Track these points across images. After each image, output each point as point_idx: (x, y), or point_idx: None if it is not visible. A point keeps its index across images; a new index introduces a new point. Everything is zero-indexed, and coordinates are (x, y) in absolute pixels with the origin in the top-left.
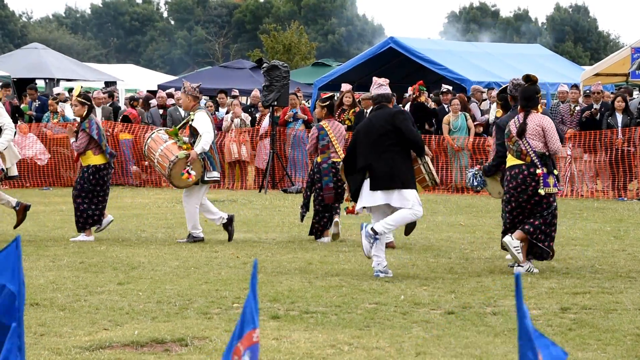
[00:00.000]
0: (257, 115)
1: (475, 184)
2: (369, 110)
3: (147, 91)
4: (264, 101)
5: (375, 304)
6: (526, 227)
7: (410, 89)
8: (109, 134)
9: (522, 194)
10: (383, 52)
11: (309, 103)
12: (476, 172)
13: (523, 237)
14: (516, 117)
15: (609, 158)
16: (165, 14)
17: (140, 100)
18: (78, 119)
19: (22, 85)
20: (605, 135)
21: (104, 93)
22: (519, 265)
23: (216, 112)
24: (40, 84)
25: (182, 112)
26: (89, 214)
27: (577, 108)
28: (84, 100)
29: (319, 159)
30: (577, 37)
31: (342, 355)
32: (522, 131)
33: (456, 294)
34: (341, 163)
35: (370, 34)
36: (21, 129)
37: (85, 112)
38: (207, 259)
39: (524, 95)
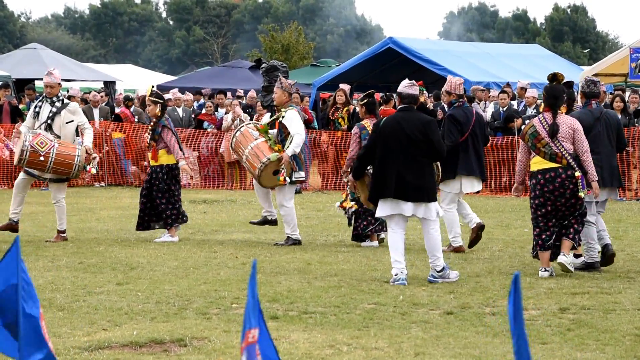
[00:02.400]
0: (255, 115)
1: None
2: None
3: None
4: (262, 102)
5: (374, 304)
6: (571, 236)
7: None
8: (107, 134)
9: (560, 197)
10: (382, 52)
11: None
12: None
13: (570, 246)
14: (541, 117)
15: None
16: (164, 14)
17: (136, 100)
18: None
19: (21, 86)
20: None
21: (99, 93)
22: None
23: (215, 113)
24: (38, 84)
25: (180, 113)
26: (167, 214)
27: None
28: (156, 99)
29: None
30: (576, 38)
31: (341, 355)
32: (554, 132)
33: (455, 295)
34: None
35: (369, 34)
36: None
37: (159, 110)
38: (206, 260)
39: (553, 94)
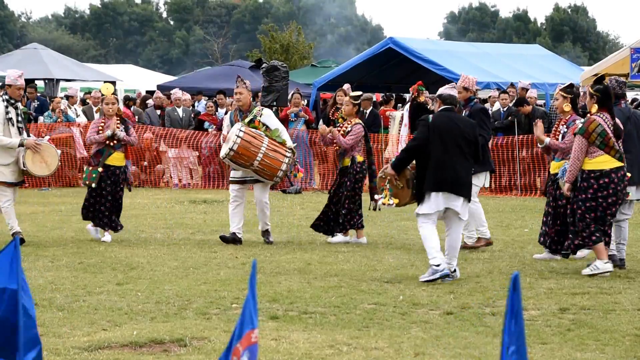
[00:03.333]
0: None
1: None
2: (368, 111)
3: (146, 91)
4: (263, 102)
5: (374, 305)
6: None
7: (410, 89)
8: None
9: (624, 196)
10: (382, 52)
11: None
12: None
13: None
14: (603, 117)
15: None
16: (164, 14)
17: (137, 100)
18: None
19: None
20: None
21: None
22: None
23: (215, 113)
24: (39, 84)
25: (180, 113)
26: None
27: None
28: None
29: (360, 158)
30: (576, 38)
31: (341, 355)
32: (619, 133)
33: (455, 295)
34: (397, 155)
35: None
36: None
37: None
38: (206, 260)
39: (609, 93)
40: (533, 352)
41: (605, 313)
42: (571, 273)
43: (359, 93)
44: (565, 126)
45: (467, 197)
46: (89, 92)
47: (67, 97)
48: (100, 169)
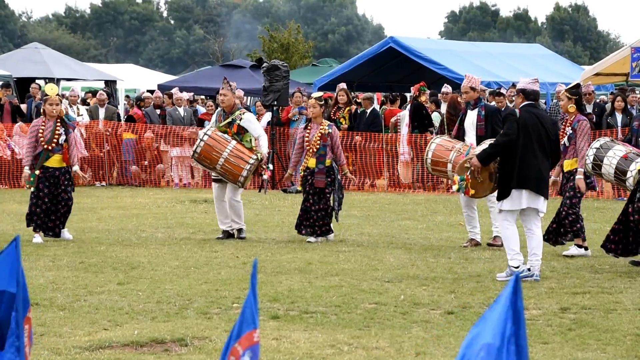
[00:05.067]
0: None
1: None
2: (369, 110)
3: (147, 91)
4: (263, 101)
5: (375, 304)
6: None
7: (414, 88)
8: (108, 133)
9: None
10: (383, 51)
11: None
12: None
13: None
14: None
15: None
16: (164, 14)
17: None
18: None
19: (22, 85)
20: (605, 135)
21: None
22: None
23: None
24: (40, 83)
25: (182, 112)
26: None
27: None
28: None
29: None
30: (577, 37)
31: (341, 355)
32: None
33: (456, 294)
34: (486, 148)
35: (370, 34)
36: (22, 129)
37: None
38: (207, 259)
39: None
40: (534, 352)
41: (606, 312)
42: (572, 272)
43: (320, 93)
44: (570, 128)
45: (547, 196)
46: (89, 92)
47: (64, 96)
48: (37, 172)
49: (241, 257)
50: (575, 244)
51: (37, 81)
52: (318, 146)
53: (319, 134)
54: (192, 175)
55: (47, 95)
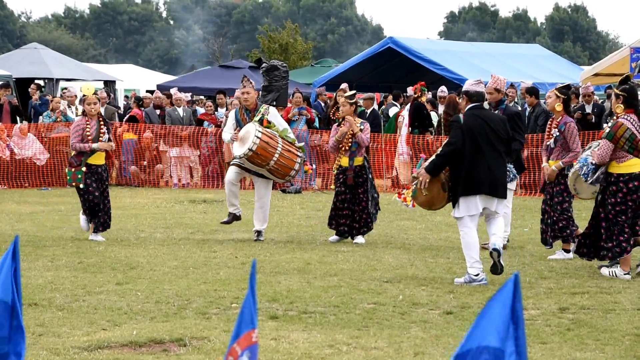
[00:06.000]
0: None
1: (586, 173)
2: (369, 110)
3: (147, 91)
4: (262, 101)
5: (373, 304)
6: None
7: (411, 89)
8: None
9: None
10: (382, 52)
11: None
12: (588, 164)
13: None
14: (629, 118)
15: None
16: (164, 14)
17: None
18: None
19: (22, 85)
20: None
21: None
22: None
23: (215, 112)
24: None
25: (181, 112)
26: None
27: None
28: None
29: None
30: (576, 37)
31: (340, 355)
32: None
33: (455, 294)
34: (432, 159)
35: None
36: (21, 130)
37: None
38: (206, 259)
39: (635, 94)
40: (533, 352)
41: (604, 313)
42: (571, 272)
43: (353, 92)
44: (557, 130)
45: (504, 197)
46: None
47: (62, 97)
48: (84, 169)
49: (240, 257)
50: (562, 249)
51: (36, 81)
52: (350, 144)
53: (351, 132)
54: (191, 176)
55: (84, 95)
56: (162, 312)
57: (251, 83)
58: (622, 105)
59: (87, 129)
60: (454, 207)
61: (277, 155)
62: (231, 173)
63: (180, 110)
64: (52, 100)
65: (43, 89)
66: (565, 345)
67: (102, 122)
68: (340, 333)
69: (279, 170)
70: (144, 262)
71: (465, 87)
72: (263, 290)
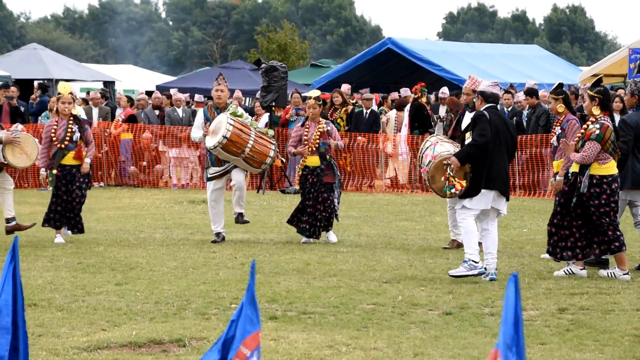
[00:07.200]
0: (254, 117)
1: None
2: (368, 111)
3: (145, 92)
4: (262, 102)
5: (373, 305)
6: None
7: (412, 89)
8: (107, 134)
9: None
10: (381, 52)
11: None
12: None
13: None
14: (607, 120)
15: None
16: (163, 15)
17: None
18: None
19: (21, 86)
20: None
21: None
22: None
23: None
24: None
25: (180, 113)
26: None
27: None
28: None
29: None
30: (574, 38)
31: (340, 355)
32: (618, 136)
33: (454, 295)
34: (464, 148)
35: (369, 35)
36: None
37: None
38: (205, 260)
39: (609, 95)
40: (532, 353)
41: (604, 313)
42: (570, 273)
43: (318, 93)
44: (559, 128)
45: (509, 198)
46: (88, 92)
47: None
48: (55, 171)
49: (239, 257)
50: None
51: (35, 82)
52: (318, 144)
53: (319, 132)
54: (191, 176)
55: (59, 93)
56: (162, 312)
57: (225, 82)
58: (598, 107)
59: (54, 130)
60: (467, 197)
61: (251, 142)
62: (212, 194)
63: (179, 111)
64: (50, 100)
65: (48, 89)
66: (565, 345)
67: (71, 123)
68: (340, 333)
69: (254, 157)
70: (143, 263)
71: (481, 88)
72: (262, 290)
